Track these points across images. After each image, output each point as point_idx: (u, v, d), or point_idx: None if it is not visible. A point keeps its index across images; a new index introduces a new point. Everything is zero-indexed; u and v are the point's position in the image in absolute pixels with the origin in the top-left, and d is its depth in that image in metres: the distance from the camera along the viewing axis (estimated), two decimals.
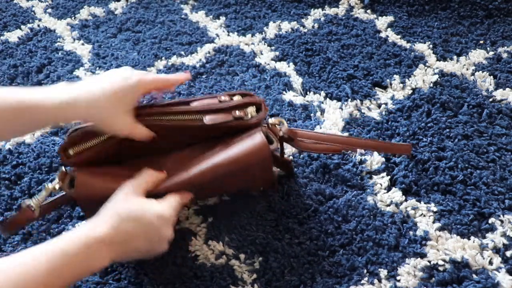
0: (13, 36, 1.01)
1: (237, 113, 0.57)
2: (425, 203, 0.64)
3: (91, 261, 0.48)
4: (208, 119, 0.57)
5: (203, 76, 0.87)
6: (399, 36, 0.91)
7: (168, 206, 0.53)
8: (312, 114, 0.78)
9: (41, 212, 0.58)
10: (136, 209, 0.51)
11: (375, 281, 0.58)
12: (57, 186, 0.56)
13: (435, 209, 0.64)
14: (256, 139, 0.56)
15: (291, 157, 0.71)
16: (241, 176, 0.58)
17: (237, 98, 0.59)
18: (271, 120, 0.60)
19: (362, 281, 0.58)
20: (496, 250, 0.59)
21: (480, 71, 0.82)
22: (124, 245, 0.50)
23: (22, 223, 0.59)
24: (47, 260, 0.45)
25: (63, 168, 0.57)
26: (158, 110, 0.58)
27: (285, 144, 0.71)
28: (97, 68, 0.91)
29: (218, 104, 0.58)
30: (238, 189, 0.65)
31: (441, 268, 0.58)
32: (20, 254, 0.45)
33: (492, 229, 0.61)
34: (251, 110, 0.58)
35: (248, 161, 0.56)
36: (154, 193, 0.55)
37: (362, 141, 0.70)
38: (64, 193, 0.66)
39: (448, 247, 0.59)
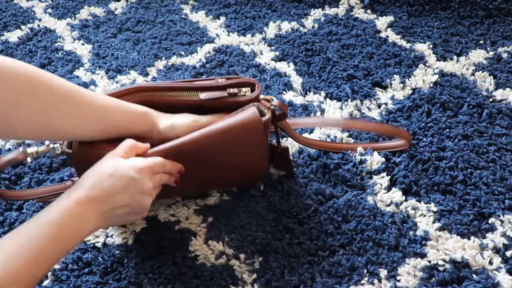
0: (13, 36, 1.01)
1: (231, 90, 0.60)
2: (425, 203, 0.64)
3: (78, 224, 0.48)
4: (203, 95, 0.60)
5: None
6: (399, 36, 0.91)
7: (142, 159, 0.54)
8: (312, 114, 0.78)
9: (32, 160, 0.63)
10: (110, 166, 0.51)
11: (375, 281, 0.58)
12: (57, 147, 0.57)
13: (435, 209, 0.64)
14: (249, 111, 0.58)
15: (290, 157, 0.71)
16: (233, 151, 0.59)
17: (233, 81, 0.62)
18: (262, 96, 0.62)
19: (362, 281, 0.58)
20: (496, 250, 0.59)
21: (480, 71, 0.82)
22: (106, 201, 0.50)
23: (10, 162, 0.61)
24: (35, 234, 0.45)
25: None
26: (161, 86, 0.61)
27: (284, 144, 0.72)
28: (97, 68, 0.91)
29: (215, 83, 0.61)
30: (232, 174, 0.64)
31: (441, 268, 0.58)
32: (7, 236, 0.45)
33: (492, 229, 0.61)
34: (245, 89, 0.61)
35: (241, 132, 0.57)
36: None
37: (363, 123, 0.73)
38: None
39: (448, 247, 0.59)
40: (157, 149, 0.57)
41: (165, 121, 0.58)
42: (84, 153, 0.56)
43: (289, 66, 0.87)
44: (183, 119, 0.59)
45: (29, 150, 0.59)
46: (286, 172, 0.69)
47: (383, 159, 0.69)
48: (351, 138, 0.73)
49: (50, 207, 0.47)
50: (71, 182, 0.68)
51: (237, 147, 0.59)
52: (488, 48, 0.87)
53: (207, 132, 0.57)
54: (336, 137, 0.73)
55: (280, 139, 0.66)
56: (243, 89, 0.61)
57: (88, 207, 0.48)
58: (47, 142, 0.59)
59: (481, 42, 0.89)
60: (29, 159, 0.60)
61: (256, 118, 0.57)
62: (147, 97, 0.60)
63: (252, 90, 0.61)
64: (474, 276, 0.56)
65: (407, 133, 0.71)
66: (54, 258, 0.46)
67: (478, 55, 0.86)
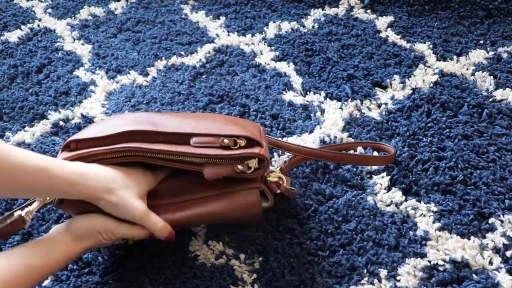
0: (13, 36, 1.01)
1: (239, 167, 0.54)
2: (425, 203, 0.64)
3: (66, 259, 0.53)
4: (208, 172, 0.55)
5: (203, 76, 0.87)
6: (399, 36, 0.91)
7: (136, 231, 0.56)
8: (312, 114, 0.78)
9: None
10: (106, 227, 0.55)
11: (375, 281, 0.58)
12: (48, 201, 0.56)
13: (435, 209, 0.64)
14: (251, 197, 0.57)
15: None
16: (231, 220, 0.60)
17: (241, 142, 0.55)
18: (271, 179, 0.59)
19: (362, 281, 0.58)
20: (496, 250, 0.59)
21: (480, 71, 0.82)
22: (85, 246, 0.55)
23: (10, 233, 0.57)
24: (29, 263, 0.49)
25: None
26: (158, 148, 0.55)
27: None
28: (97, 68, 0.91)
29: (220, 151, 0.54)
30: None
31: (441, 268, 0.58)
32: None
33: (492, 229, 0.61)
34: (254, 161, 0.55)
35: (238, 215, 0.58)
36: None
37: (347, 145, 0.72)
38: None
39: (448, 247, 0.59)
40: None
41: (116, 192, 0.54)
42: (76, 208, 0.56)
43: (289, 66, 0.87)
44: (140, 180, 0.57)
45: (23, 213, 0.54)
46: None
47: None
48: (351, 138, 0.73)
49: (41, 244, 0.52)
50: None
51: (237, 220, 0.60)
52: (488, 48, 0.87)
53: (206, 211, 0.56)
54: (336, 136, 0.73)
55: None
56: (251, 161, 0.55)
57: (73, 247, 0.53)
58: (41, 199, 0.55)
59: (481, 42, 0.89)
60: (28, 224, 0.56)
61: (256, 205, 0.57)
62: (138, 158, 0.56)
63: (259, 163, 0.55)
64: (474, 276, 0.57)
65: (391, 150, 0.69)
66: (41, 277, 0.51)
67: (478, 55, 0.86)
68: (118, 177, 0.54)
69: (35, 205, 0.55)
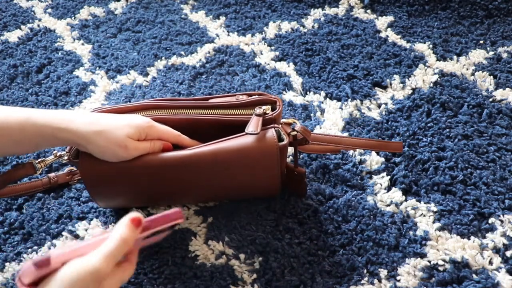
0: (13, 36, 1.01)
1: (260, 109, 0.57)
2: (425, 203, 0.64)
3: None
4: (250, 129, 0.55)
5: (203, 76, 0.87)
6: (399, 36, 0.91)
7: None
8: (312, 114, 0.78)
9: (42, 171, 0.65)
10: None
11: (375, 281, 0.58)
12: (64, 155, 0.58)
13: (435, 209, 0.64)
14: (266, 134, 0.56)
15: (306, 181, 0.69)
16: (246, 171, 0.58)
17: (254, 98, 0.60)
18: (284, 120, 0.61)
19: (362, 281, 0.58)
20: (496, 250, 0.59)
21: (480, 71, 0.82)
22: None
23: (20, 177, 0.62)
24: None
25: None
26: (179, 104, 0.60)
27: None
28: (97, 68, 0.91)
29: (235, 100, 0.60)
30: (238, 189, 0.63)
31: (441, 268, 0.58)
32: None
33: (492, 229, 0.61)
34: (266, 108, 0.58)
35: (255, 154, 0.56)
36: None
37: (361, 141, 0.71)
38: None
39: (448, 247, 0.59)
40: (168, 154, 0.56)
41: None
42: (89, 165, 0.56)
43: (289, 66, 0.87)
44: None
45: (36, 161, 0.60)
46: (299, 195, 0.66)
47: (383, 159, 0.69)
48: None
49: None
50: (47, 179, 0.69)
51: (249, 168, 0.58)
52: (488, 48, 0.87)
53: (222, 147, 0.56)
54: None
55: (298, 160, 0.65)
56: (263, 107, 0.58)
57: None
58: (55, 151, 0.59)
59: (481, 42, 0.89)
60: (38, 172, 0.61)
61: (272, 143, 0.55)
62: (160, 117, 0.59)
63: (273, 109, 0.59)
64: (474, 276, 0.57)
65: (399, 145, 0.70)
66: None
67: (478, 55, 0.86)
68: (103, 118, 0.54)
69: (50, 157, 0.61)
